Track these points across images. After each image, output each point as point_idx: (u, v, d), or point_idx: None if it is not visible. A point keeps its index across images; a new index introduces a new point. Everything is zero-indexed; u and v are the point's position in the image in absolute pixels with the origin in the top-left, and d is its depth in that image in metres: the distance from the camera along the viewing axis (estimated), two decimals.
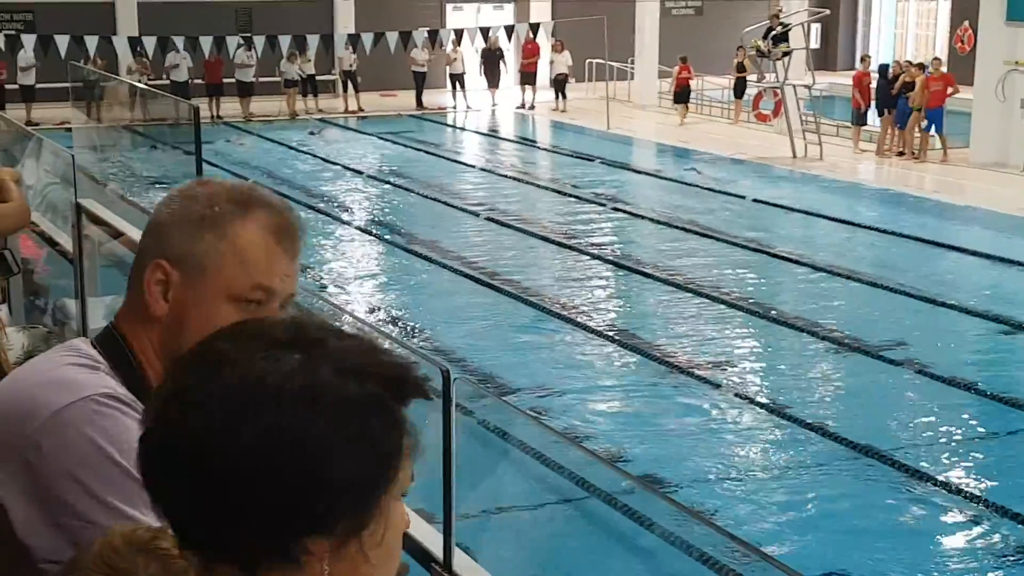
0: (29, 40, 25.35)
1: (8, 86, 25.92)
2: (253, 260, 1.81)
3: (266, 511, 1.12)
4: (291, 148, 23.65)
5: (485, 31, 28.72)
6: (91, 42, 25.31)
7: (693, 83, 28.58)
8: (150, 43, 26.13)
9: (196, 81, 26.98)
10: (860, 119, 23.21)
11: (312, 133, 25.85)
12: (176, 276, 1.81)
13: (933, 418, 9.76)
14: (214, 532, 1.14)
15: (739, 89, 27.14)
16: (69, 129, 18.73)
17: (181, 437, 1.14)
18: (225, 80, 27.21)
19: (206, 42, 26.29)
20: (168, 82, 26.52)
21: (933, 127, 21.96)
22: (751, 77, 26.45)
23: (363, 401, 1.15)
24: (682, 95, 27.65)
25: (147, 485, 1.18)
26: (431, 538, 3.06)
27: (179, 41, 26.18)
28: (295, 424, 1.12)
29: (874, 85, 23.07)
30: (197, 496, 1.13)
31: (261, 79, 27.69)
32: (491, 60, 29.31)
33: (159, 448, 1.16)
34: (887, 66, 23.50)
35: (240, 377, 1.14)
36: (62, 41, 24.84)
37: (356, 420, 1.14)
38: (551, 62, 29.25)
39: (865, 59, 24.58)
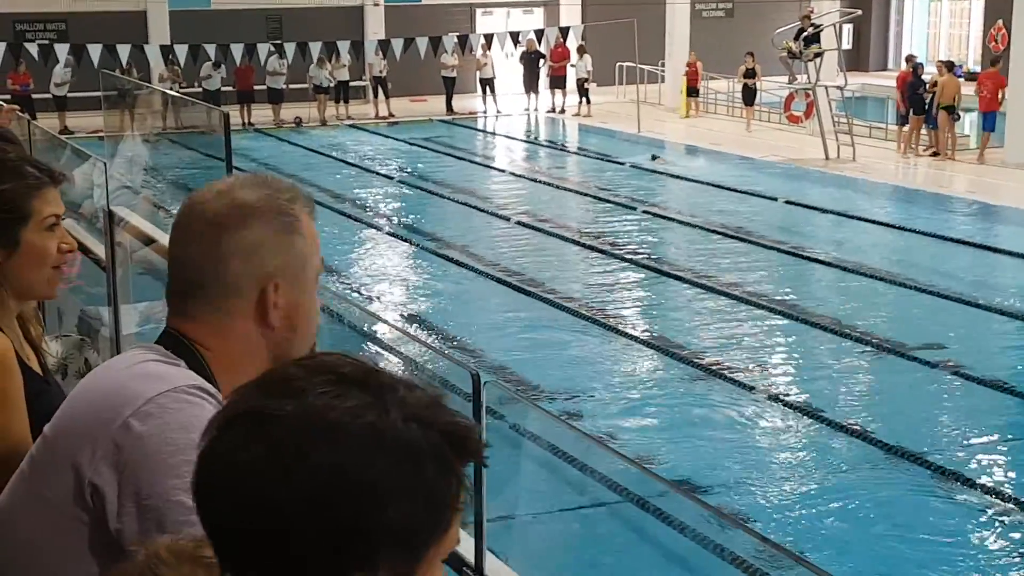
0: (62, 51, 25.53)
1: (41, 95, 26.11)
2: (317, 243, 1.94)
3: (313, 545, 1.12)
4: (321, 154, 23.73)
5: (515, 35, 28.72)
6: (123, 51, 25.50)
7: (723, 84, 28.60)
8: (182, 51, 26.31)
9: (226, 89, 27.14)
10: (904, 120, 22.99)
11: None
12: (282, 285, 1.89)
13: (970, 420, 9.67)
14: (256, 558, 1.13)
15: (748, 95, 26.75)
16: (102, 138, 18.87)
17: (237, 461, 1.14)
18: (257, 87, 27.36)
19: (237, 50, 26.44)
20: (200, 90, 26.72)
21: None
22: (761, 80, 26.28)
23: (425, 450, 1.16)
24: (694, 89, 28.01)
25: (197, 503, 1.19)
26: (463, 543, 3.05)
27: (211, 50, 26.34)
28: (354, 461, 1.12)
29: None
30: (245, 521, 1.13)
31: (292, 86, 27.81)
32: (530, 63, 29.27)
33: (214, 469, 1.16)
34: (919, 66, 23.35)
35: (303, 408, 1.15)
36: (94, 50, 25.03)
37: (416, 467, 1.15)
38: (572, 66, 29.21)
39: (910, 59, 24.27)
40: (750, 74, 26.55)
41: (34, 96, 25.47)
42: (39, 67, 25.79)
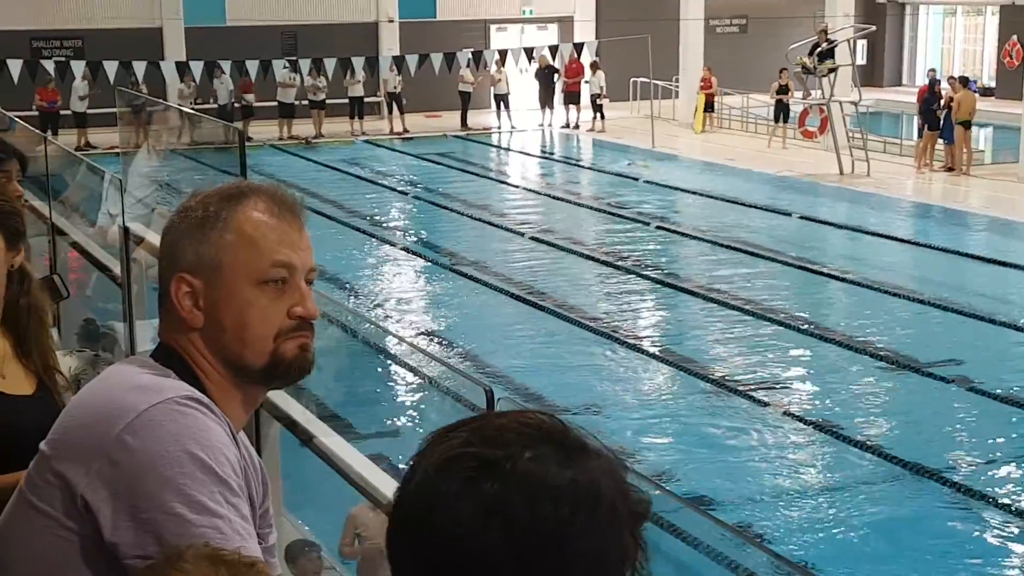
0: (78, 68, 25.67)
1: (67, 112, 26.26)
2: (261, 240, 1.88)
3: None
4: (336, 169, 23.78)
5: (529, 51, 28.76)
6: (139, 67, 25.63)
7: (737, 100, 28.62)
8: (197, 68, 26.42)
9: (237, 104, 27.22)
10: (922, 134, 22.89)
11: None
12: (199, 283, 1.88)
13: (986, 436, 9.62)
14: None
15: (781, 112, 26.34)
16: (118, 154, 18.91)
17: (457, 506, 1.16)
18: (268, 103, 27.42)
19: (253, 66, 26.54)
20: (215, 106, 26.81)
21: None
22: (796, 94, 26.17)
23: (623, 516, 1.22)
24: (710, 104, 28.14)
25: (398, 534, 1.22)
26: None
27: (227, 67, 26.45)
28: (566, 522, 1.17)
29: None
30: (449, 565, 1.17)
31: (303, 101, 27.85)
32: (545, 79, 29.30)
33: (428, 506, 1.18)
34: (936, 81, 23.31)
35: (521, 465, 1.17)
36: (110, 67, 25.16)
37: (616, 529, 1.21)
38: (587, 82, 29.23)
39: (931, 73, 24.20)
40: (783, 90, 26.24)
41: (61, 112, 25.75)
42: (56, 83, 25.95)
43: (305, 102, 27.75)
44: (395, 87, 28.57)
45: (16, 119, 13.03)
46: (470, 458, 1.18)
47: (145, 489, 1.71)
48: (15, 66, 25.05)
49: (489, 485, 1.16)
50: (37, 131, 11.94)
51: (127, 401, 1.78)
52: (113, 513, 1.72)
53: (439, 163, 24.52)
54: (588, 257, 15.97)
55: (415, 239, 17.62)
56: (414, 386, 11.06)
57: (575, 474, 1.18)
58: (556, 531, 1.16)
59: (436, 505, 1.17)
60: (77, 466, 1.76)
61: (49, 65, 25.87)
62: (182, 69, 26.66)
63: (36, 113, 25.03)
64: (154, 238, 5.41)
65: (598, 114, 28.59)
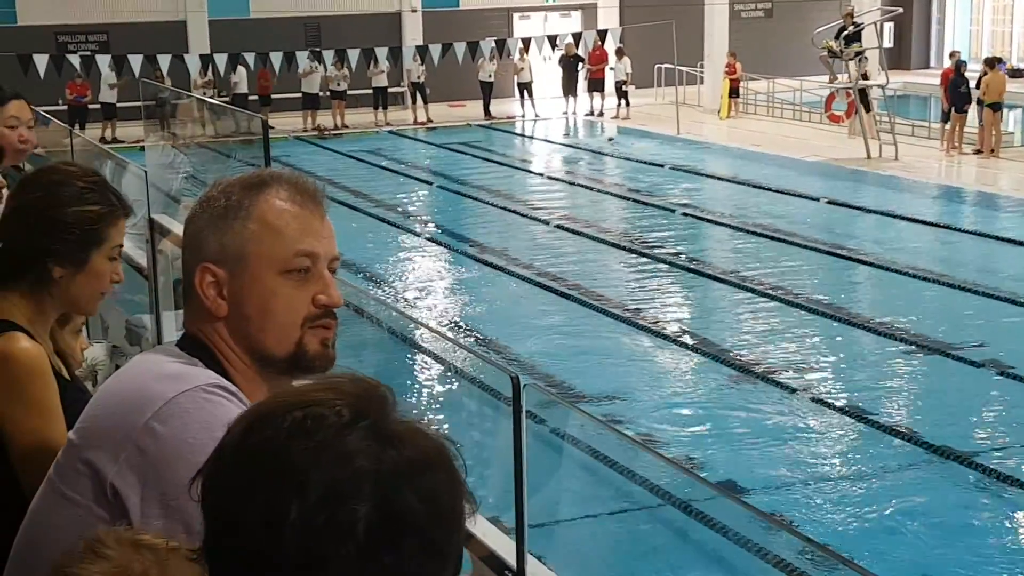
0: (104, 63, 25.80)
1: (96, 105, 26.41)
2: (285, 229, 1.88)
3: None
4: (360, 160, 23.81)
5: (553, 39, 28.70)
6: (164, 61, 25.74)
7: (763, 85, 28.47)
8: (221, 60, 26.51)
9: (252, 97, 27.27)
10: (947, 117, 22.66)
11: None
12: (223, 273, 1.88)
13: (1017, 421, 9.54)
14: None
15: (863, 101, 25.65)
16: (143, 148, 18.99)
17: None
18: (293, 94, 27.47)
19: (276, 58, 26.61)
20: (235, 96, 26.91)
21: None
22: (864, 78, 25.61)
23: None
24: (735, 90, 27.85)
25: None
26: (504, 546, 3.03)
27: (251, 59, 26.52)
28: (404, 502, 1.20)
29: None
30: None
31: (327, 92, 27.86)
32: (568, 66, 29.23)
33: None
34: (963, 63, 23.10)
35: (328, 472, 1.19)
36: (135, 60, 25.28)
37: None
38: (611, 69, 29.15)
39: (954, 55, 23.97)
40: (865, 78, 25.60)
41: (90, 106, 25.90)
42: (81, 76, 26.10)
43: (328, 93, 27.79)
44: (419, 77, 28.58)
45: (45, 114, 13.09)
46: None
47: (173, 476, 1.71)
48: (41, 61, 25.19)
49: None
50: (64, 125, 12.00)
51: (155, 390, 1.79)
52: (142, 501, 1.73)
53: (463, 152, 24.52)
54: (614, 244, 15.93)
55: (440, 228, 17.62)
56: (440, 374, 11.07)
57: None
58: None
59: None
60: (106, 454, 1.77)
61: (75, 60, 26.01)
62: (206, 62, 26.76)
63: (64, 107, 25.21)
64: (180, 230, 5.42)
65: (623, 101, 28.50)
